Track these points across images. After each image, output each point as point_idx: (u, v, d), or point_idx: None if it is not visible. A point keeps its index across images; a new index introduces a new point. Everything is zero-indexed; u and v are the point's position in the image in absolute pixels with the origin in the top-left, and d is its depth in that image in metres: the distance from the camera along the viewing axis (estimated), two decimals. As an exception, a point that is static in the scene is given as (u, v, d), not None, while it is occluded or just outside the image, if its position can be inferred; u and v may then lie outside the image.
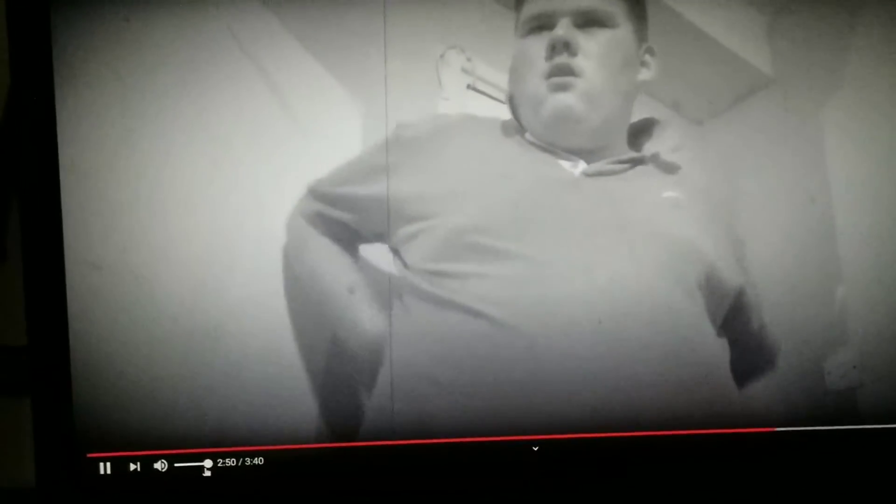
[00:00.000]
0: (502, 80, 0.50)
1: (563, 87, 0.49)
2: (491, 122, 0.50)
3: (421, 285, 0.49)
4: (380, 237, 0.49)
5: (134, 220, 0.48)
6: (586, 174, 0.50)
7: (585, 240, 0.49)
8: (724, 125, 0.50)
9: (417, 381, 0.50)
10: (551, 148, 0.50)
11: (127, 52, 0.47)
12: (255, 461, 0.51)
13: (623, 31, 0.49)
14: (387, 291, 0.50)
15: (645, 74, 0.49)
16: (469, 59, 0.49)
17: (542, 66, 0.49)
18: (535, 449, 0.51)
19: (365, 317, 0.50)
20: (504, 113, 0.50)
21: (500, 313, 0.49)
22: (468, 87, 0.49)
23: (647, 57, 0.49)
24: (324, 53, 0.48)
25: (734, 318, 0.51)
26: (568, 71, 0.49)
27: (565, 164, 0.50)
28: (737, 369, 0.51)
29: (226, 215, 0.49)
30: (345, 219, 0.49)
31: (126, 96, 0.48)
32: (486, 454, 0.51)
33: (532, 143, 0.50)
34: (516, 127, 0.50)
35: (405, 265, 0.50)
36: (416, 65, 0.49)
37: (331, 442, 0.51)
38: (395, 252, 0.50)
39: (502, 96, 0.50)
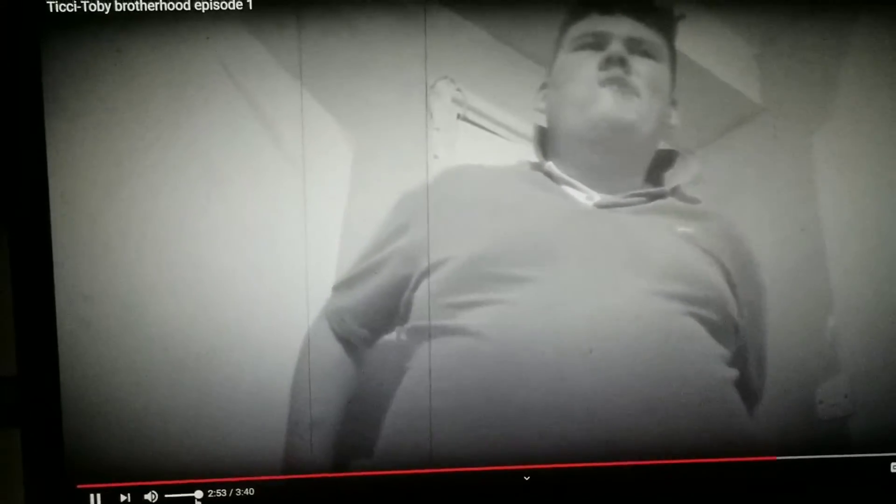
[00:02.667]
0: (493, 110, 0.50)
1: (618, 95, 0.49)
2: (500, 167, 0.50)
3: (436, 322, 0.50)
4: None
5: (124, 251, 0.48)
6: (599, 206, 0.50)
7: (595, 271, 0.50)
8: (714, 155, 0.50)
9: (414, 411, 0.50)
10: (570, 178, 0.50)
11: (118, 83, 0.47)
12: (246, 492, 0.50)
13: (664, 71, 0.50)
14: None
15: (674, 120, 0.50)
16: (459, 90, 0.49)
17: (595, 75, 0.49)
18: (527, 479, 0.51)
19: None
20: (515, 155, 0.50)
21: (497, 339, 0.49)
22: (458, 117, 0.49)
23: (671, 108, 0.50)
24: (314, 85, 0.48)
25: (741, 349, 0.51)
26: (624, 83, 0.49)
27: (580, 195, 0.50)
28: (743, 398, 0.51)
29: (217, 247, 0.49)
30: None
31: (117, 128, 0.48)
32: (475, 483, 0.51)
33: (551, 175, 0.50)
34: (534, 164, 0.50)
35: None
36: (407, 96, 0.49)
37: (321, 472, 0.50)
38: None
39: (493, 127, 0.50)
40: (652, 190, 0.51)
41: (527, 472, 0.51)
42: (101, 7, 0.47)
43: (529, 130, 0.50)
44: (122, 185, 0.48)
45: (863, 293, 0.51)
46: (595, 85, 0.49)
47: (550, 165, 0.50)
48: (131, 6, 0.47)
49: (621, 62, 0.49)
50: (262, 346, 0.49)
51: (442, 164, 0.49)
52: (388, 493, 0.51)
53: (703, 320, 0.50)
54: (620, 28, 0.49)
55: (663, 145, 0.51)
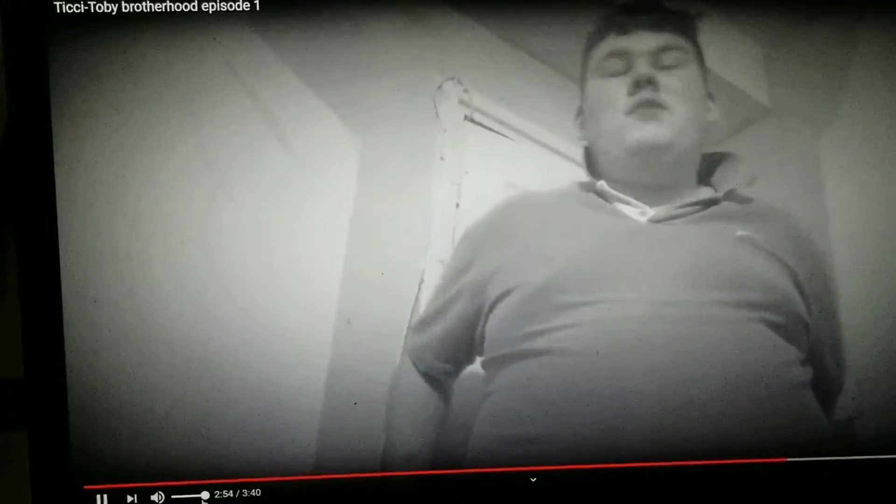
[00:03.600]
0: (499, 111, 0.50)
1: (650, 118, 0.49)
2: (553, 191, 0.51)
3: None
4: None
5: (131, 253, 0.48)
6: (654, 221, 0.50)
7: (657, 286, 0.49)
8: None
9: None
10: (623, 194, 0.50)
11: (125, 84, 0.47)
12: (253, 493, 0.50)
13: (693, 71, 0.50)
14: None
15: (713, 115, 0.50)
16: (466, 91, 0.49)
17: (624, 102, 0.49)
18: (534, 480, 0.51)
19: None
20: (565, 177, 0.50)
21: (564, 358, 0.49)
22: (465, 118, 0.49)
23: (709, 102, 0.50)
24: (320, 86, 0.48)
25: (814, 348, 0.51)
26: (654, 104, 0.49)
27: (633, 212, 0.50)
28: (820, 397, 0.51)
29: (223, 248, 0.49)
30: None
31: (124, 129, 0.48)
32: (482, 485, 0.51)
33: (603, 195, 0.50)
34: (584, 184, 0.50)
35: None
36: (413, 97, 0.49)
37: (328, 473, 0.50)
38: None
39: (500, 129, 0.50)
40: (705, 197, 0.50)
41: (534, 474, 0.51)
42: (108, 8, 0.47)
43: (541, 134, 0.50)
44: (129, 186, 0.48)
45: (870, 295, 0.51)
46: (628, 112, 0.49)
47: (602, 185, 0.50)
48: (138, 7, 0.47)
49: (650, 82, 0.49)
50: (268, 347, 0.49)
51: (497, 193, 0.50)
52: (394, 494, 0.51)
53: (772, 325, 0.49)
54: (641, 44, 0.49)
55: (711, 149, 0.51)
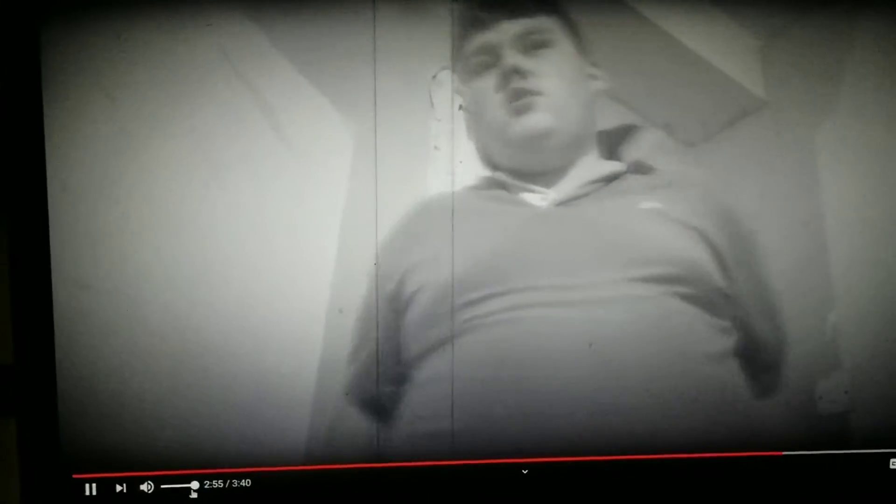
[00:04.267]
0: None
1: (526, 108, 0.49)
2: (456, 191, 0.50)
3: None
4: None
5: (122, 240, 0.48)
6: (556, 204, 0.50)
7: (571, 270, 0.49)
8: (717, 148, 0.50)
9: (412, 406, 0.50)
10: (522, 183, 0.50)
11: (118, 70, 0.47)
12: (243, 483, 0.50)
13: (565, 48, 0.49)
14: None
15: (599, 84, 0.49)
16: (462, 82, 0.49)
17: (499, 97, 0.49)
18: (525, 472, 0.51)
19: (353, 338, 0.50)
20: (465, 172, 0.50)
21: (492, 347, 0.50)
22: (460, 107, 0.49)
23: (595, 70, 0.49)
24: (315, 73, 0.48)
25: (740, 318, 0.51)
26: (526, 93, 0.49)
27: (535, 198, 0.50)
28: (749, 369, 0.51)
29: (216, 236, 0.48)
30: None
31: (116, 115, 0.47)
32: (474, 477, 0.51)
33: (503, 186, 0.50)
34: (485, 178, 0.50)
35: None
36: (409, 86, 0.48)
37: (318, 464, 0.50)
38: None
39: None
40: (605, 172, 0.50)
41: (525, 466, 0.51)
42: (101, -7, 0.46)
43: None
44: (121, 173, 0.48)
45: (864, 289, 0.51)
46: (503, 106, 0.49)
47: (500, 176, 0.50)
48: (132, -7, 0.47)
49: (516, 72, 0.48)
50: (260, 337, 0.49)
51: (407, 199, 0.49)
52: (384, 486, 0.51)
53: (687, 297, 0.49)
54: (503, 34, 0.48)
55: (609, 123, 0.50)
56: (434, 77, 0.49)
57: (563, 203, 0.50)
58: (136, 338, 0.49)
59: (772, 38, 0.49)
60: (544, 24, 0.48)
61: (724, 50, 0.49)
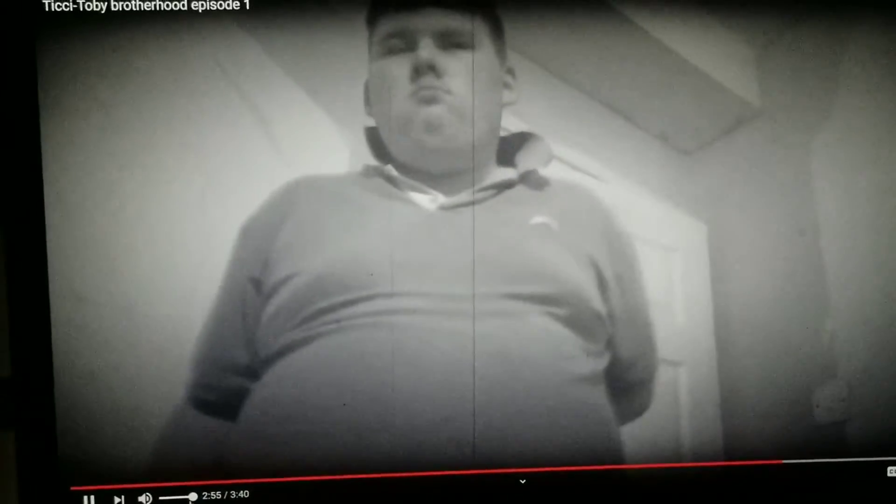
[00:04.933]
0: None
1: (432, 101, 0.47)
2: (343, 175, 0.48)
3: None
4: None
5: (119, 252, 0.48)
6: (444, 208, 0.48)
7: (447, 279, 0.47)
8: (713, 156, 0.50)
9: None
10: (413, 179, 0.48)
11: (113, 82, 0.47)
12: (241, 494, 0.50)
13: (485, 52, 0.48)
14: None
15: (508, 96, 0.48)
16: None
17: (408, 87, 0.47)
18: (523, 482, 0.51)
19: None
20: (350, 159, 0.48)
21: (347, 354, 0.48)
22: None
23: (509, 78, 0.48)
24: (309, 82, 0.48)
25: (611, 340, 0.49)
26: (436, 88, 0.47)
27: (424, 199, 0.48)
28: (613, 391, 0.49)
29: (211, 247, 0.48)
30: None
31: (112, 127, 0.47)
32: (473, 486, 0.51)
33: (391, 180, 0.48)
34: (375, 168, 0.48)
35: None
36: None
37: (315, 475, 0.50)
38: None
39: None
40: (499, 180, 0.49)
41: (523, 475, 0.51)
42: (97, 6, 0.46)
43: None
44: (117, 184, 0.48)
45: (861, 297, 0.51)
46: (409, 100, 0.47)
47: (390, 169, 0.48)
48: (127, 5, 0.47)
49: (431, 69, 0.47)
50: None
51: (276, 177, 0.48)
52: (382, 496, 0.51)
53: (558, 318, 0.48)
54: (425, 23, 0.47)
55: (509, 129, 0.49)
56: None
57: (450, 208, 0.48)
58: (133, 349, 0.49)
59: (767, 46, 0.50)
60: (471, 22, 0.47)
61: (719, 59, 0.49)
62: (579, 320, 0.48)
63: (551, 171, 0.48)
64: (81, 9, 0.46)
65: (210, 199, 0.48)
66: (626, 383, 0.49)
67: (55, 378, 0.48)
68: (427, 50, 0.47)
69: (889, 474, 0.52)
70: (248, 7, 0.47)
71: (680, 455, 0.51)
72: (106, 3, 0.46)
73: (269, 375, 0.47)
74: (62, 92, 0.47)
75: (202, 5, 0.47)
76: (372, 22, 0.47)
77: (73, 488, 0.49)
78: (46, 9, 0.46)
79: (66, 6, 0.46)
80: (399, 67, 0.47)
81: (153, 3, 0.47)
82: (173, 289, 0.48)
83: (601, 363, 0.49)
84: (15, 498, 0.49)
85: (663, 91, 0.49)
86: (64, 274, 0.48)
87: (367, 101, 0.48)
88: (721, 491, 0.52)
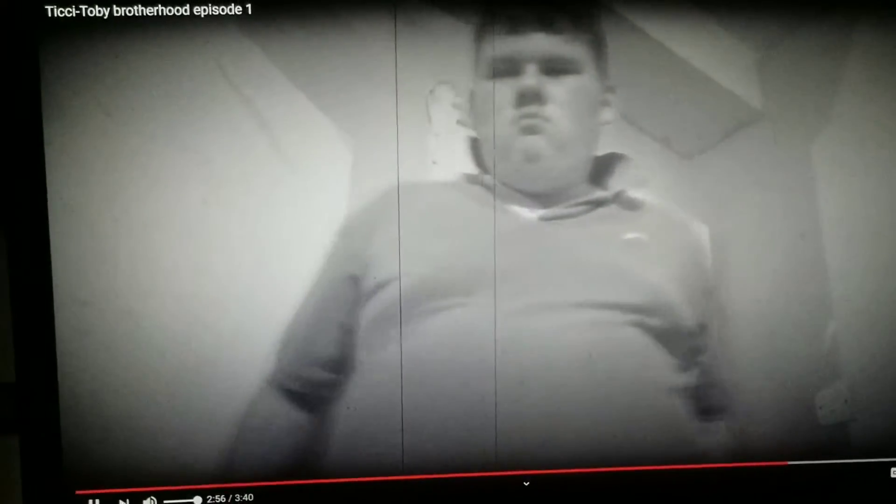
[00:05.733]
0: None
1: (532, 131, 0.49)
2: (443, 182, 0.49)
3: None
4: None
5: (123, 256, 0.48)
6: (543, 219, 0.50)
7: (540, 288, 0.49)
8: (714, 160, 0.50)
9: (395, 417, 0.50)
10: (511, 191, 0.49)
11: (116, 88, 0.47)
12: (245, 497, 0.50)
13: (587, 76, 0.49)
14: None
15: (607, 115, 0.49)
16: (459, 95, 0.49)
17: (511, 112, 0.49)
18: (527, 484, 0.51)
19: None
20: (451, 168, 0.49)
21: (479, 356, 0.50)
22: (458, 122, 0.49)
23: (609, 96, 0.49)
24: (312, 88, 0.48)
25: (698, 356, 0.51)
26: (538, 117, 0.49)
27: (522, 210, 0.50)
28: (697, 404, 0.51)
29: (215, 251, 0.49)
30: None
31: (115, 132, 0.48)
32: (476, 489, 0.51)
33: (491, 189, 0.49)
34: (475, 177, 0.49)
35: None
36: (406, 100, 0.49)
37: (320, 478, 0.50)
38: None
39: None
40: (593, 197, 0.50)
41: (526, 478, 0.51)
42: (99, 12, 0.47)
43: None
44: (120, 189, 0.48)
45: (862, 299, 0.51)
46: (511, 126, 0.49)
47: (489, 179, 0.49)
48: (130, 11, 0.47)
49: (535, 96, 0.48)
50: (260, 352, 0.49)
51: (382, 184, 0.49)
52: (387, 499, 0.51)
53: (648, 329, 0.50)
54: (531, 47, 0.48)
55: (604, 149, 0.50)
56: (431, 92, 0.49)
57: (546, 219, 0.50)
58: (138, 353, 0.49)
59: (768, 49, 0.50)
60: (576, 43, 0.48)
61: (721, 62, 0.50)
62: (669, 334, 0.50)
63: (643, 193, 0.50)
64: (84, 14, 0.47)
65: (213, 205, 0.48)
66: (709, 402, 0.51)
67: (59, 383, 0.48)
68: (532, 77, 0.48)
69: (893, 475, 0.52)
70: (250, 12, 0.47)
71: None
72: (108, 9, 0.47)
73: (363, 372, 0.49)
74: (65, 97, 0.47)
75: (205, 10, 0.47)
76: (479, 41, 0.48)
77: (77, 492, 0.49)
78: (49, 14, 0.46)
79: (68, 12, 0.46)
80: (503, 91, 0.48)
81: (155, 8, 0.47)
82: (176, 293, 0.49)
83: (683, 379, 0.51)
84: (19, 502, 0.49)
85: (666, 95, 0.50)
86: (67, 278, 0.48)
87: (470, 113, 0.49)
88: (725, 492, 0.52)
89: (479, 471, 0.51)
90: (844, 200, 0.51)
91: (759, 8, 0.49)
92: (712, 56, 0.49)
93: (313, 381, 0.49)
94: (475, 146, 0.49)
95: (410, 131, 0.49)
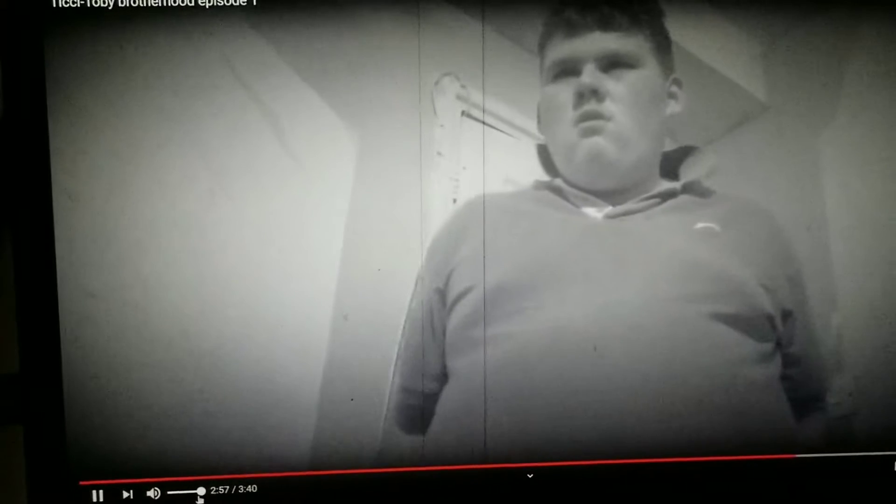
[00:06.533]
0: (497, 107, 0.50)
1: (593, 132, 0.49)
2: (517, 191, 0.50)
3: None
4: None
5: (128, 248, 0.48)
6: (610, 217, 0.50)
7: (614, 284, 0.49)
8: (719, 152, 0.50)
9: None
10: (582, 192, 0.50)
11: (121, 79, 0.47)
12: (249, 489, 0.50)
13: (649, 69, 0.49)
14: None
15: (674, 107, 0.49)
16: (464, 87, 0.49)
17: (571, 113, 0.49)
18: (530, 476, 0.51)
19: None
20: (521, 175, 0.50)
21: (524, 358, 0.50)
22: (463, 114, 0.49)
23: (675, 88, 0.49)
24: (318, 81, 0.48)
25: (781, 341, 0.51)
26: (597, 116, 0.49)
27: (590, 209, 0.50)
28: (788, 391, 0.51)
29: (221, 243, 0.49)
30: None
31: (120, 124, 0.48)
32: (479, 481, 0.51)
33: (560, 191, 0.50)
34: (544, 182, 0.50)
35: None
36: (410, 92, 0.49)
37: (324, 469, 0.50)
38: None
39: (497, 123, 0.50)
40: (662, 190, 0.50)
41: (530, 470, 0.51)
42: (104, 2, 0.47)
43: (533, 127, 0.50)
44: (126, 181, 0.48)
45: (867, 292, 0.51)
46: (573, 128, 0.49)
47: (559, 182, 0.50)
48: (135, 1, 0.47)
49: (594, 93, 0.48)
50: (266, 343, 0.49)
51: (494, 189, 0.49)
52: (389, 491, 0.51)
53: (726, 318, 0.50)
54: (588, 47, 0.48)
55: (671, 144, 0.50)
56: (436, 83, 0.49)
57: (616, 216, 0.50)
58: (142, 345, 0.49)
59: (773, 42, 0.50)
60: (634, 40, 0.48)
61: (726, 54, 0.49)
62: (751, 322, 0.50)
63: (714, 181, 0.50)
64: (89, 5, 0.47)
65: (219, 197, 0.48)
66: (804, 389, 0.51)
67: (64, 373, 0.49)
68: (590, 75, 0.48)
69: (896, 468, 0.53)
70: (255, 3, 0.47)
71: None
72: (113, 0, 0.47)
73: (452, 380, 0.50)
74: (70, 88, 0.47)
75: (210, 1, 0.47)
76: (542, 48, 0.48)
77: (81, 483, 0.49)
78: (54, 4, 0.46)
79: (73, 2, 0.46)
80: (563, 93, 0.48)
81: (160, -2, 0.47)
82: (181, 285, 0.49)
83: (771, 367, 0.51)
84: (24, 493, 0.49)
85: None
86: (72, 270, 0.48)
87: (539, 120, 0.49)
88: (731, 485, 0.52)
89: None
90: (850, 193, 0.50)
91: (765, 1, 0.49)
92: (718, 48, 0.49)
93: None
94: (543, 151, 0.50)
95: (415, 123, 0.49)
